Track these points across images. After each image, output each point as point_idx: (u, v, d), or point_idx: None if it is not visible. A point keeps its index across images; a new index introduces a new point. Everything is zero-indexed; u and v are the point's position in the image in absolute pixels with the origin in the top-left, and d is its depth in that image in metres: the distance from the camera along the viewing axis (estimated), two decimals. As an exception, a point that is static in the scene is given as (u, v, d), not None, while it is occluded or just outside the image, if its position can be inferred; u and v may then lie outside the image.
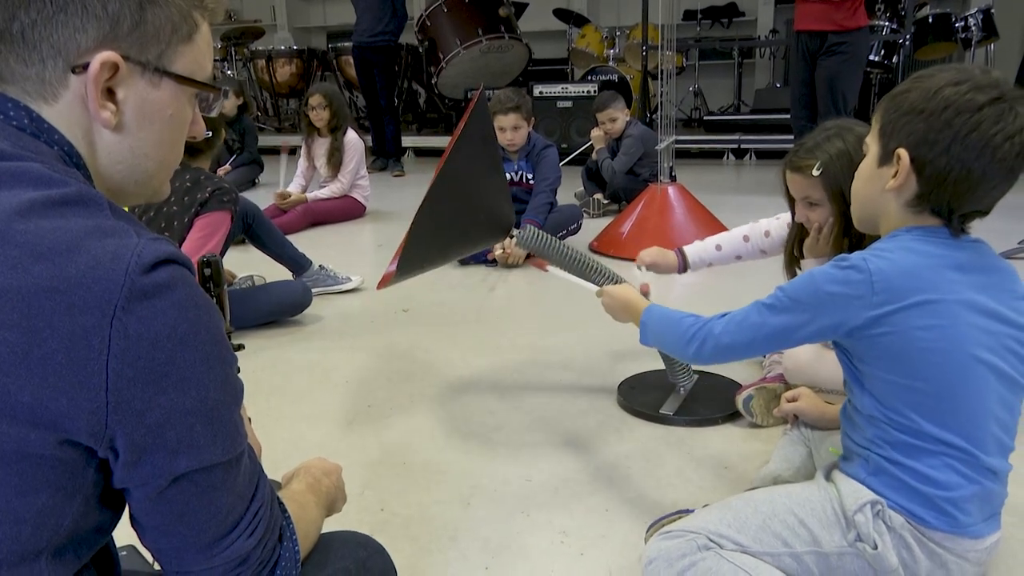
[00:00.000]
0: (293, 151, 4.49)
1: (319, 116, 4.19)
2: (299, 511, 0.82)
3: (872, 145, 1.09)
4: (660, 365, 1.99)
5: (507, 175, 3.48)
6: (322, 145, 4.28)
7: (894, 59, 5.88)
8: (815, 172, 1.50)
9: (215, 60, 7.54)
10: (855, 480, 1.08)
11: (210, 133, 2.45)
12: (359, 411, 1.94)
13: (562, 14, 7.85)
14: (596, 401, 1.94)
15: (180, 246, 2.35)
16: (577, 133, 5.96)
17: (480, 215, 1.73)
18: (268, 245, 2.81)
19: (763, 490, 1.17)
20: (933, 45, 5.78)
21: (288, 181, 4.29)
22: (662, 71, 3.70)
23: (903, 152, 1.02)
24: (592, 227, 3.77)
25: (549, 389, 2.04)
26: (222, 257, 2.43)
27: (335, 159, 4.23)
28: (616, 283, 1.73)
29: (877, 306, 1.01)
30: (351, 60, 6.45)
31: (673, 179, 3.55)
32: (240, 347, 2.38)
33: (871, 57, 5.76)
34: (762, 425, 1.76)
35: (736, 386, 1.85)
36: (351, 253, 3.68)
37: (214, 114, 0.79)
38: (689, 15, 7.71)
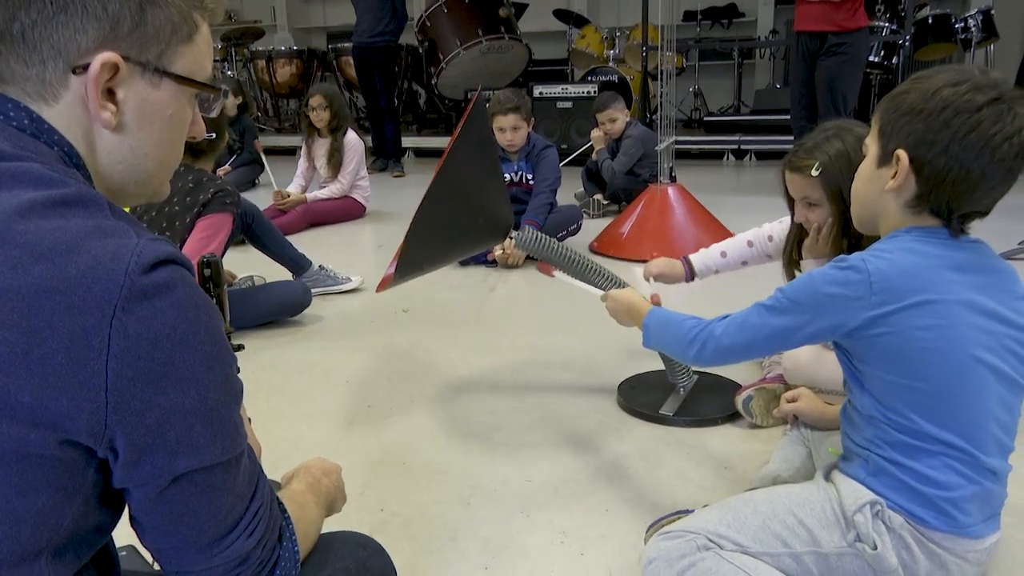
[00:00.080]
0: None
1: (319, 117, 4.19)
2: (299, 511, 0.82)
3: (871, 146, 1.09)
4: (660, 365, 1.99)
5: (507, 175, 3.48)
6: (322, 146, 4.28)
7: (894, 60, 5.89)
8: (814, 172, 1.50)
9: (215, 60, 7.55)
10: (855, 480, 1.08)
11: (213, 134, 2.45)
12: (359, 411, 1.94)
13: (562, 15, 7.85)
14: (596, 401, 1.94)
15: (181, 246, 2.35)
16: (577, 134, 5.96)
17: (479, 217, 1.73)
18: (268, 245, 2.81)
19: (763, 490, 1.17)
20: (933, 46, 5.78)
21: (276, 182, 4.29)
22: (662, 72, 3.70)
23: (902, 153, 1.02)
24: (592, 228, 3.77)
25: (549, 389, 2.04)
26: (222, 258, 2.43)
27: (335, 160, 4.23)
28: (619, 286, 1.73)
29: (876, 306, 1.01)
30: (351, 61, 6.45)
31: (673, 180, 3.55)
32: (240, 347, 2.38)
33: (871, 58, 5.76)
34: (762, 425, 1.76)
35: (736, 387, 1.85)
36: (351, 254, 3.68)
37: (214, 114, 0.79)
38: (689, 16, 7.72)
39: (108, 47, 0.65)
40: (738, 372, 2.00)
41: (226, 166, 5.24)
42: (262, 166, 5.59)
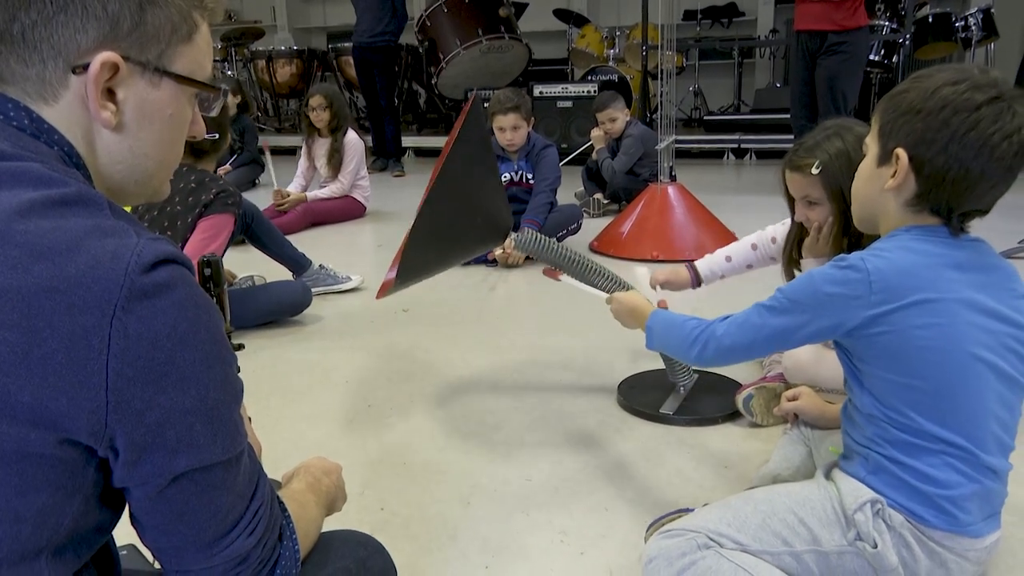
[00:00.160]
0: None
1: (319, 117, 4.19)
2: (299, 510, 0.82)
3: (871, 145, 1.09)
4: (660, 365, 1.99)
5: (507, 175, 3.48)
6: (322, 145, 4.29)
7: (894, 59, 5.89)
8: (814, 171, 1.50)
9: (215, 60, 7.55)
10: (855, 479, 1.09)
11: (216, 135, 2.45)
12: (359, 411, 1.94)
13: (562, 14, 7.85)
14: (596, 401, 1.94)
15: (182, 246, 2.36)
16: (577, 133, 5.96)
17: (478, 220, 1.73)
18: (267, 245, 2.81)
19: (763, 489, 1.17)
20: (933, 45, 5.78)
21: (277, 182, 4.29)
22: (662, 71, 3.70)
23: (901, 152, 1.02)
24: (592, 227, 3.77)
25: (549, 389, 2.04)
26: (222, 257, 2.43)
27: (335, 160, 4.23)
28: (622, 287, 1.73)
29: (875, 305, 1.01)
30: (351, 60, 6.45)
31: (673, 179, 3.55)
32: (240, 347, 2.38)
33: (871, 57, 5.76)
34: (762, 424, 1.76)
35: (736, 385, 1.85)
36: (351, 253, 3.68)
37: (214, 113, 0.79)
38: (689, 15, 7.71)
39: (108, 47, 0.65)
40: (738, 371, 2.00)
41: (226, 166, 5.25)
42: (263, 166, 5.60)
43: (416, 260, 1.58)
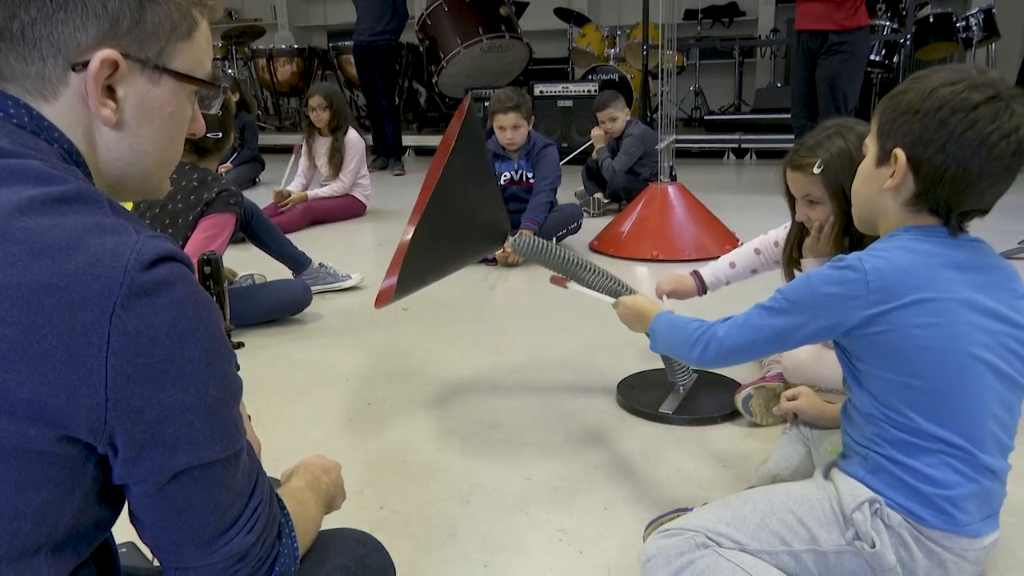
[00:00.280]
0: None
1: (319, 117, 4.19)
2: (298, 508, 0.82)
3: (871, 146, 1.10)
4: (659, 364, 1.99)
5: (507, 174, 3.48)
6: (323, 144, 4.28)
7: (895, 59, 5.88)
8: (816, 170, 1.50)
9: (216, 59, 7.55)
10: (854, 478, 1.09)
11: (220, 133, 2.46)
12: (359, 409, 1.94)
13: (563, 13, 7.84)
14: (595, 400, 1.94)
15: (183, 244, 2.36)
16: (577, 132, 5.96)
17: (475, 227, 1.72)
18: (267, 243, 2.81)
19: (762, 489, 1.17)
20: (934, 45, 5.77)
21: (289, 181, 4.29)
22: (663, 70, 3.70)
23: (900, 152, 1.03)
24: (592, 226, 3.77)
25: (549, 388, 2.04)
26: (222, 256, 2.43)
27: (336, 159, 4.23)
28: (624, 288, 1.73)
29: (873, 305, 1.02)
30: (352, 59, 6.45)
31: (673, 178, 3.55)
32: (240, 345, 2.38)
33: (872, 57, 5.76)
34: (761, 424, 1.76)
35: (735, 385, 1.85)
36: (351, 252, 3.68)
37: (214, 111, 0.79)
38: (690, 14, 7.71)
39: (108, 44, 0.65)
40: (737, 371, 2.00)
41: (227, 164, 5.25)
42: (263, 164, 5.60)
43: (416, 269, 1.58)
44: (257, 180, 5.54)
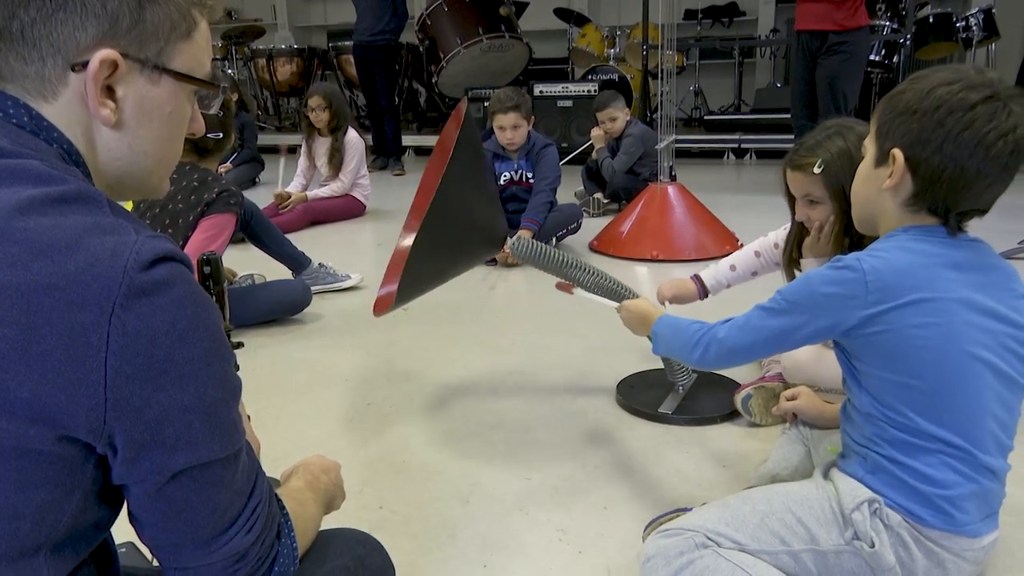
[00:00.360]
0: (292, 150, 4.49)
1: (319, 117, 4.19)
2: (297, 508, 0.82)
3: (869, 146, 1.10)
4: (659, 364, 2.00)
5: (507, 174, 3.48)
6: (323, 144, 4.28)
7: (895, 59, 5.88)
8: (816, 170, 1.50)
9: (216, 59, 7.55)
10: (853, 478, 1.09)
11: (220, 134, 2.46)
12: (358, 409, 1.94)
13: (562, 13, 7.84)
14: (595, 400, 1.94)
15: (183, 244, 2.36)
16: (577, 132, 5.96)
17: (475, 233, 1.71)
18: (267, 243, 2.81)
19: (761, 488, 1.17)
20: (934, 45, 5.77)
21: (287, 181, 4.28)
22: (662, 70, 3.70)
23: (897, 152, 1.03)
24: (592, 226, 3.77)
25: (548, 388, 2.04)
26: (222, 256, 2.43)
27: (336, 160, 4.23)
28: (621, 287, 1.73)
29: (872, 305, 1.02)
30: (352, 59, 6.45)
31: (673, 178, 3.55)
32: (239, 345, 2.37)
33: (872, 57, 5.76)
34: (760, 424, 1.76)
35: (735, 385, 1.85)
36: (351, 252, 3.68)
37: (213, 110, 0.79)
38: (690, 14, 7.71)
39: (107, 44, 0.65)
40: (737, 371, 2.00)
41: (227, 164, 5.25)
42: (263, 164, 5.60)
43: (416, 277, 1.58)
44: (257, 180, 5.54)
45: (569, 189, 4.50)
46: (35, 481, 0.58)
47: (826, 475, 1.14)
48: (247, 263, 2.94)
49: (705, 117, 7.07)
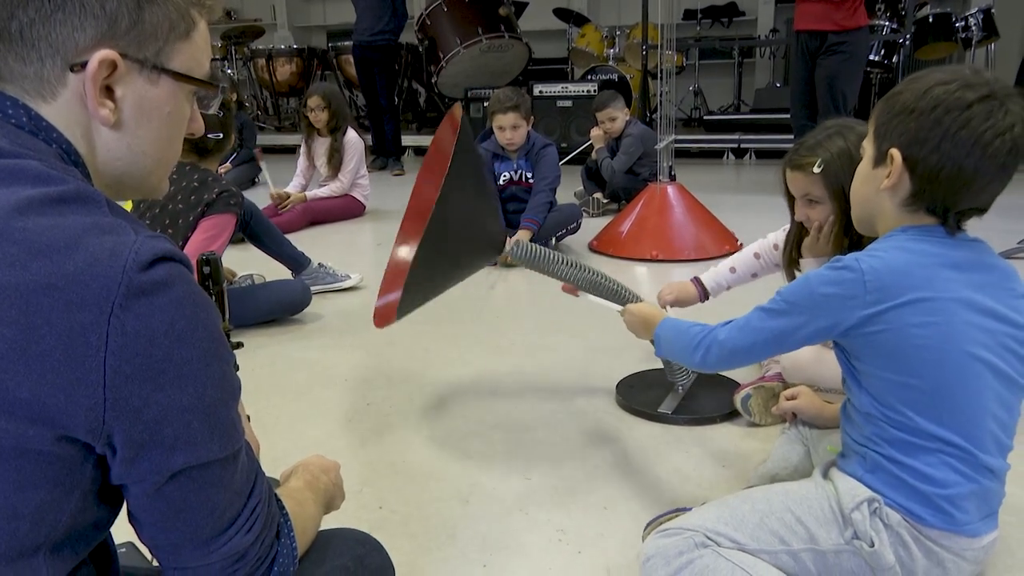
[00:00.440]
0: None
1: (318, 118, 4.19)
2: (297, 508, 0.82)
3: (868, 147, 1.10)
4: (659, 364, 2.00)
5: (506, 174, 3.48)
6: (322, 144, 4.28)
7: (894, 59, 5.89)
8: (816, 169, 1.50)
9: (215, 59, 7.54)
10: (852, 478, 1.09)
11: (220, 135, 2.46)
12: (358, 409, 1.94)
13: (562, 13, 7.84)
14: (595, 400, 1.94)
15: (183, 244, 2.36)
16: (577, 132, 5.95)
17: (474, 244, 1.71)
18: (266, 243, 2.81)
19: (760, 488, 1.17)
20: (933, 45, 5.78)
21: (277, 180, 4.27)
22: (662, 70, 3.70)
23: (895, 152, 1.03)
24: (592, 226, 3.77)
25: (548, 388, 2.04)
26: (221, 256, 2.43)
27: (335, 160, 4.23)
28: (622, 288, 1.73)
29: (870, 305, 1.02)
30: (351, 59, 6.45)
31: (673, 178, 3.56)
32: (239, 345, 2.37)
33: (871, 57, 5.76)
34: (760, 424, 1.76)
35: (734, 385, 1.85)
36: (351, 252, 3.68)
37: (212, 110, 0.79)
38: (689, 14, 7.71)
39: (106, 44, 0.65)
40: (737, 371, 2.00)
41: (227, 164, 5.24)
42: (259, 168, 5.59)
43: (418, 291, 1.57)
44: (256, 180, 5.53)
45: (569, 189, 4.50)
46: (34, 481, 0.58)
47: (825, 474, 1.15)
48: (247, 263, 2.94)
49: (705, 117, 7.08)
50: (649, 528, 1.30)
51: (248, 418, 1.00)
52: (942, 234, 1.05)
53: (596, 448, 1.70)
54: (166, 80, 0.70)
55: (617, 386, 1.98)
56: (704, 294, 2.00)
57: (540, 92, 6.11)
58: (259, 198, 3.45)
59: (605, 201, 4.38)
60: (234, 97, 5.35)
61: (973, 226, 1.08)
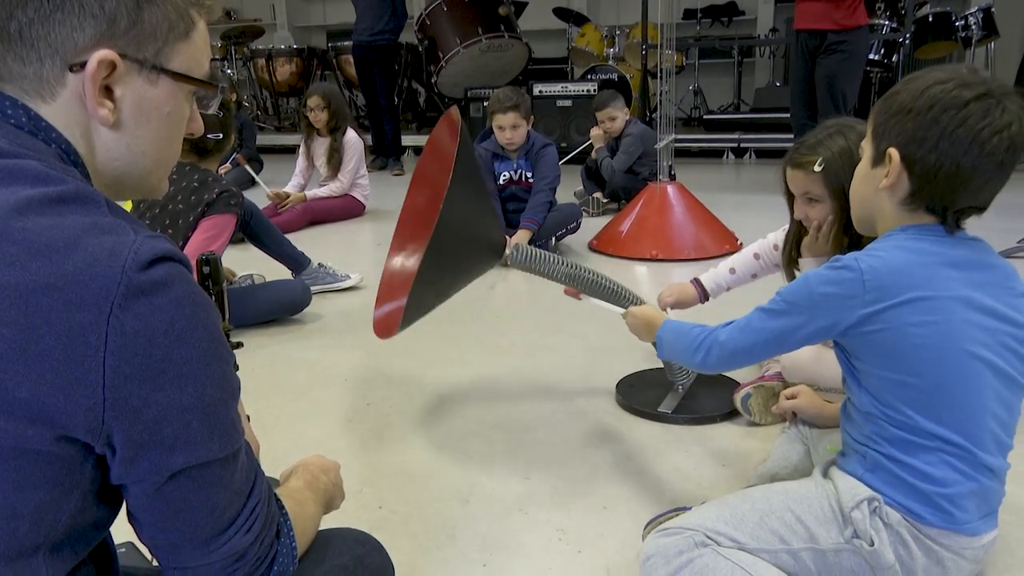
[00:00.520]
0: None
1: (317, 118, 4.19)
2: (297, 508, 0.82)
3: (866, 147, 1.11)
4: (658, 364, 2.00)
5: (506, 174, 3.48)
6: (322, 144, 4.28)
7: (894, 58, 5.88)
8: (817, 168, 1.50)
9: (215, 59, 7.54)
10: (852, 476, 1.09)
11: (220, 135, 2.46)
12: (358, 409, 1.94)
13: (562, 13, 7.84)
14: (595, 399, 1.94)
15: (183, 244, 2.36)
16: (577, 132, 5.95)
17: (474, 252, 1.70)
18: (266, 243, 2.81)
19: (760, 487, 1.17)
20: (933, 44, 5.78)
21: (269, 181, 4.28)
22: (662, 70, 3.70)
23: (893, 151, 1.03)
24: (591, 226, 3.77)
25: (548, 388, 2.04)
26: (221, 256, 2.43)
27: (335, 160, 4.23)
28: (622, 288, 1.73)
29: (870, 304, 1.02)
30: (351, 59, 6.45)
31: (672, 178, 3.56)
32: (239, 345, 2.38)
33: (871, 56, 5.76)
34: (760, 423, 1.76)
35: (734, 384, 1.85)
36: (351, 252, 3.68)
37: (212, 110, 0.79)
38: (689, 14, 7.71)
39: (105, 45, 0.65)
40: (737, 370, 2.00)
41: (227, 164, 5.24)
42: (261, 163, 5.59)
43: (420, 303, 1.57)
44: (256, 180, 5.53)
45: (569, 189, 4.50)
46: (34, 481, 0.58)
47: (825, 474, 1.15)
48: (247, 263, 2.94)
49: (704, 116, 7.07)
50: (649, 527, 1.30)
51: (248, 418, 1.00)
52: (941, 233, 1.05)
53: (596, 448, 1.70)
54: (165, 80, 0.70)
55: (617, 386, 1.98)
56: (704, 295, 2.01)
57: (540, 92, 6.11)
58: (259, 198, 3.46)
59: (605, 201, 4.38)
60: (234, 97, 5.35)
61: (972, 225, 1.08)
